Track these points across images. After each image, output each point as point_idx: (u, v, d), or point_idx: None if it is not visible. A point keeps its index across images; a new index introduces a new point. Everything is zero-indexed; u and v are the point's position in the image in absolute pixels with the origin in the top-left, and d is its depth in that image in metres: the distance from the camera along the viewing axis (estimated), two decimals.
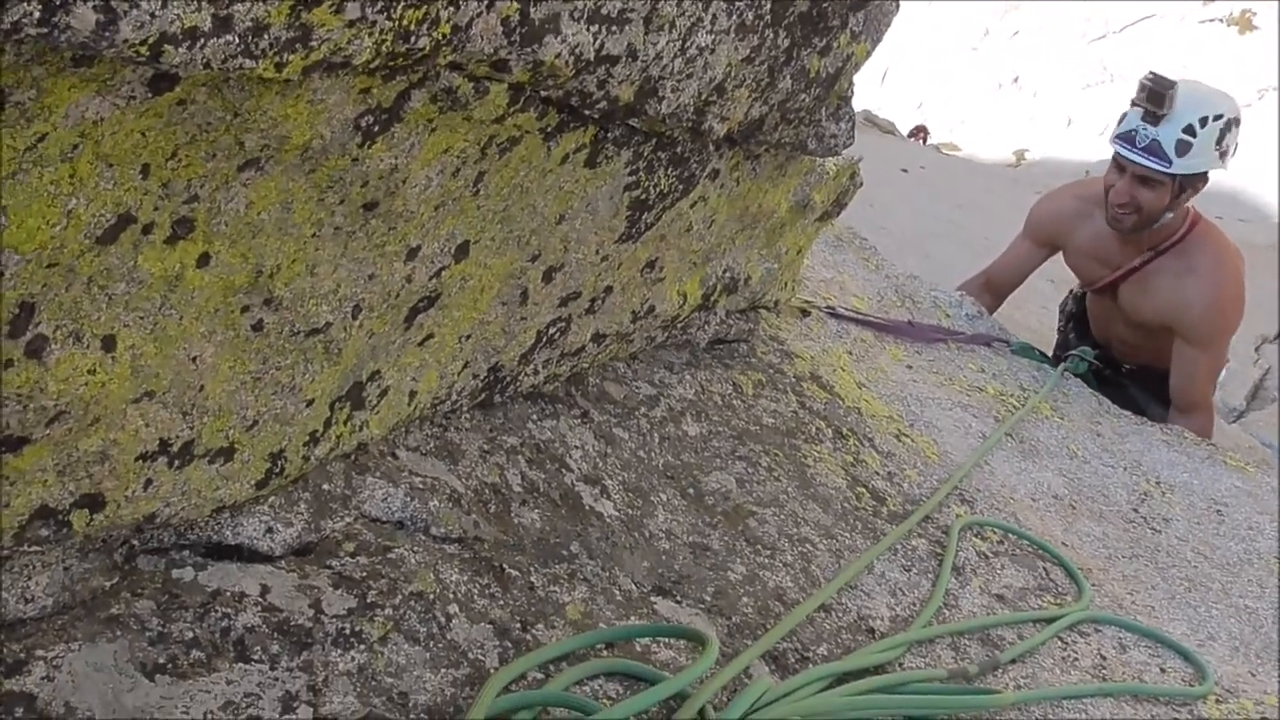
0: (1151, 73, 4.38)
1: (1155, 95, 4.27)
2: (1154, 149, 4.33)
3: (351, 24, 1.41)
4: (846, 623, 2.64)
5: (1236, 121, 4.41)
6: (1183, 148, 4.30)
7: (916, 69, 17.40)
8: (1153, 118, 4.29)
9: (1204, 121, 4.30)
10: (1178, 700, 2.81)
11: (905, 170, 12.80)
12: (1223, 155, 4.39)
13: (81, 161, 1.37)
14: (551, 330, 2.63)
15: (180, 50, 1.23)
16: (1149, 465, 4.16)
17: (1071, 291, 5.60)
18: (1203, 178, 4.47)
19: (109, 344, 1.57)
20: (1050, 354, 5.08)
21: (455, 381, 2.45)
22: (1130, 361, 5.10)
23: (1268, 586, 3.55)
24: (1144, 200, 4.45)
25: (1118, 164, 4.50)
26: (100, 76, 1.30)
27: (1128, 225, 4.56)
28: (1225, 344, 4.82)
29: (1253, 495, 4.12)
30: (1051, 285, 6.41)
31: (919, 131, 16.39)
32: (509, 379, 2.62)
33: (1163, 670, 2.92)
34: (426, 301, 2.17)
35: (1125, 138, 4.39)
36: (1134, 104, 4.37)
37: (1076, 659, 2.84)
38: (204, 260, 1.64)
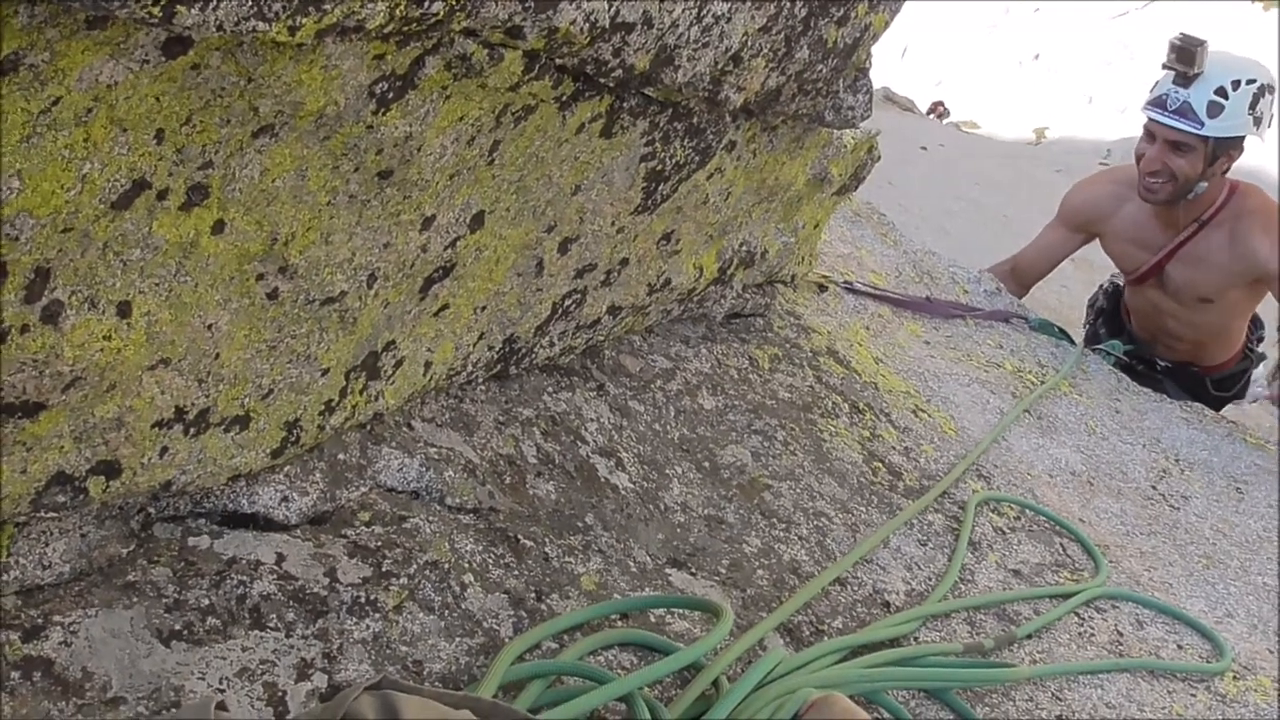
0: (1181, 32, 4.32)
1: (1185, 53, 4.21)
2: (1185, 111, 4.26)
3: None
4: (861, 596, 2.64)
5: (1270, 89, 4.34)
6: (1214, 109, 4.23)
7: (936, 45, 17.30)
8: (1183, 79, 4.23)
9: (1236, 85, 4.24)
10: (1194, 676, 2.80)
11: (924, 148, 12.74)
12: (1257, 122, 4.31)
13: (95, 126, 1.37)
14: (567, 302, 2.63)
15: (193, 11, 1.23)
16: (1168, 442, 4.14)
17: (1101, 286, 5.52)
18: (1237, 145, 4.38)
19: (124, 310, 1.57)
20: (1068, 331, 5.04)
21: (470, 353, 2.45)
22: (1169, 358, 5.02)
23: None
24: (1176, 167, 4.38)
25: (1149, 132, 4.42)
26: (114, 40, 1.29)
27: (1162, 195, 4.47)
28: None
29: (1273, 473, 4.10)
30: (1073, 264, 6.37)
31: (937, 107, 16.31)
32: (524, 351, 2.62)
33: (1180, 646, 2.92)
34: (442, 272, 2.17)
35: (1156, 103, 4.33)
36: (1164, 67, 4.30)
37: (1093, 635, 2.84)
38: (219, 227, 1.64)
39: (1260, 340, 5.13)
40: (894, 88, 15.17)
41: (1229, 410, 5.14)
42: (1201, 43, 4.22)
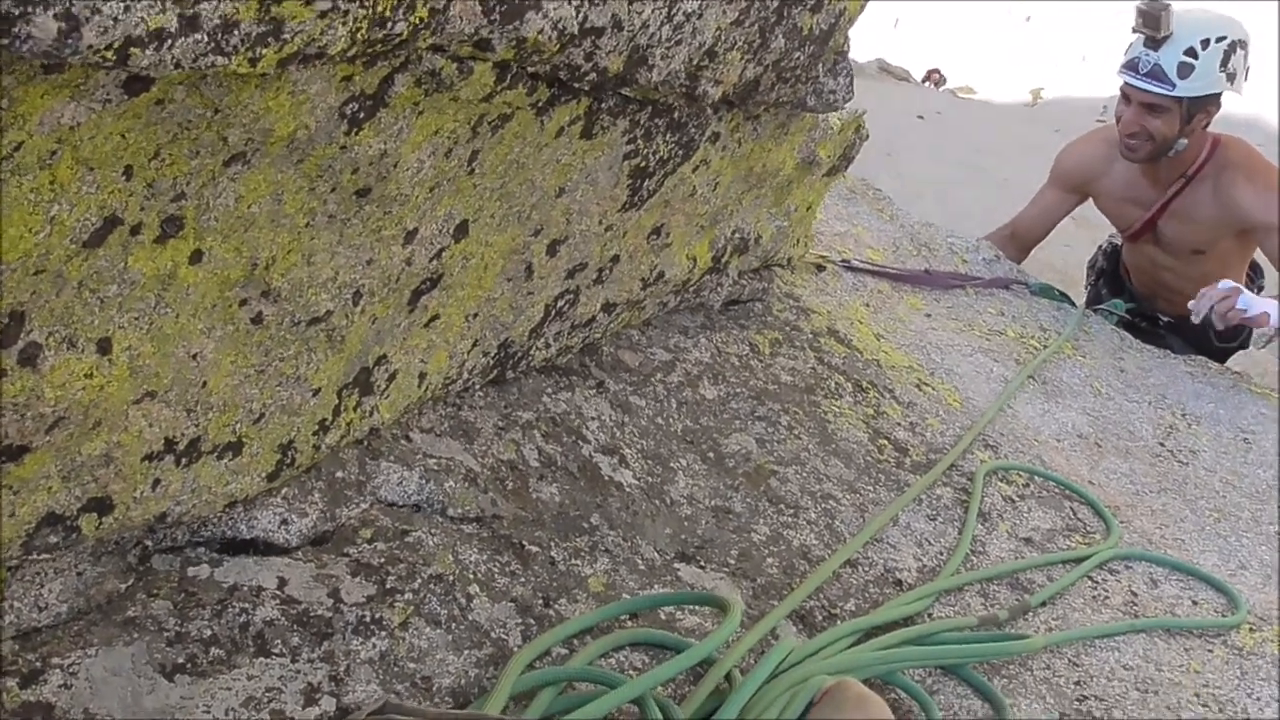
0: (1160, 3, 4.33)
1: (1150, 17, 4.24)
2: (1156, 73, 4.28)
3: (324, 15, 1.40)
4: (873, 576, 2.64)
5: (1243, 44, 4.34)
6: (1185, 70, 4.25)
7: (928, 14, 17.26)
8: (1153, 43, 4.26)
9: (1205, 44, 4.25)
10: (1211, 631, 2.80)
11: (921, 117, 12.71)
12: (1230, 78, 4.33)
13: (61, 167, 1.37)
14: (560, 303, 2.62)
15: (148, 52, 1.22)
16: (1174, 398, 4.13)
17: (1100, 246, 5.54)
18: (1213, 101, 4.40)
19: (104, 346, 1.57)
20: (1069, 294, 5.03)
21: (465, 360, 2.45)
22: (1170, 313, 5.02)
23: None
24: (1153, 128, 4.40)
25: (1124, 94, 4.46)
26: (72, 82, 1.29)
27: (1141, 155, 4.51)
28: None
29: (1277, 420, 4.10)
30: (1074, 223, 6.35)
31: (933, 74, 16.25)
32: (520, 354, 2.62)
33: (1195, 603, 2.91)
34: (429, 283, 2.17)
35: (1129, 66, 4.36)
36: (1134, 30, 4.33)
37: (1107, 597, 2.84)
38: (196, 257, 1.64)
39: (1260, 289, 5.12)
40: (888, 58, 15.12)
41: (1234, 360, 5.13)
42: (1165, 6, 4.24)
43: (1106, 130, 4.91)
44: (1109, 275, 5.37)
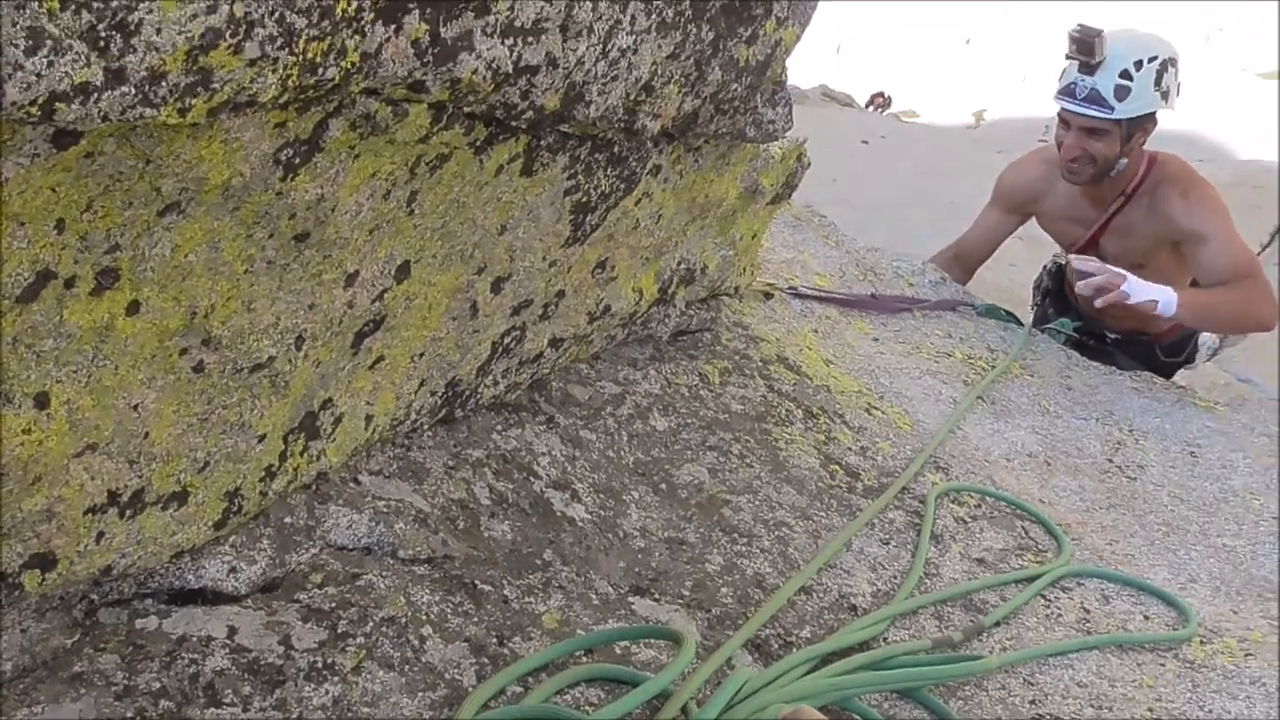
0: (1078, 24, 4.40)
1: (1084, 44, 4.31)
2: (1094, 98, 4.35)
3: (253, 63, 1.40)
4: (828, 603, 2.64)
5: (1173, 61, 4.42)
6: (1122, 92, 4.32)
7: (869, 39, 17.40)
8: (1088, 68, 4.32)
9: (1139, 65, 4.32)
10: (1163, 646, 2.82)
11: (865, 141, 12.80)
12: (1164, 96, 4.40)
13: None
14: (507, 340, 2.63)
15: (74, 106, 1.22)
16: (1121, 414, 4.17)
17: (1045, 267, 5.58)
18: (1150, 119, 4.47)
19: (42, 401, 1.56)
20: (1016, 313, 5.08)
21: (413, 400, 2.44)
22: (1117, 329, 5.08)
23: (1244, 523, 3.56)
24: (1095, 150, 4.46)
25: (1063, 119, 4.52)
26: None
27: (1085, 178, 4.56)
28: (1232, 224, 4.67)
29: (1224, 434, 4.14)
30: (1021, 243, 6.41)
31: (877, 98, 16.36)
32: (469, 392, 2.61)
33: (1146, 617, 2.94)
34: (372, 325, 2.16)
35: (1066, 91, 4.42)
36: (1068, 57, 4.39)
37: (1060, 615, 2.85)
38: (134, 308, 1.63)
39: None
40: (831, 84, 15.23)
41: (1179, 375, 5.19)
42: (1098, 32, 4.31)
43: (1047, 150, 4.97)
44: (1054, 294, 5.41)
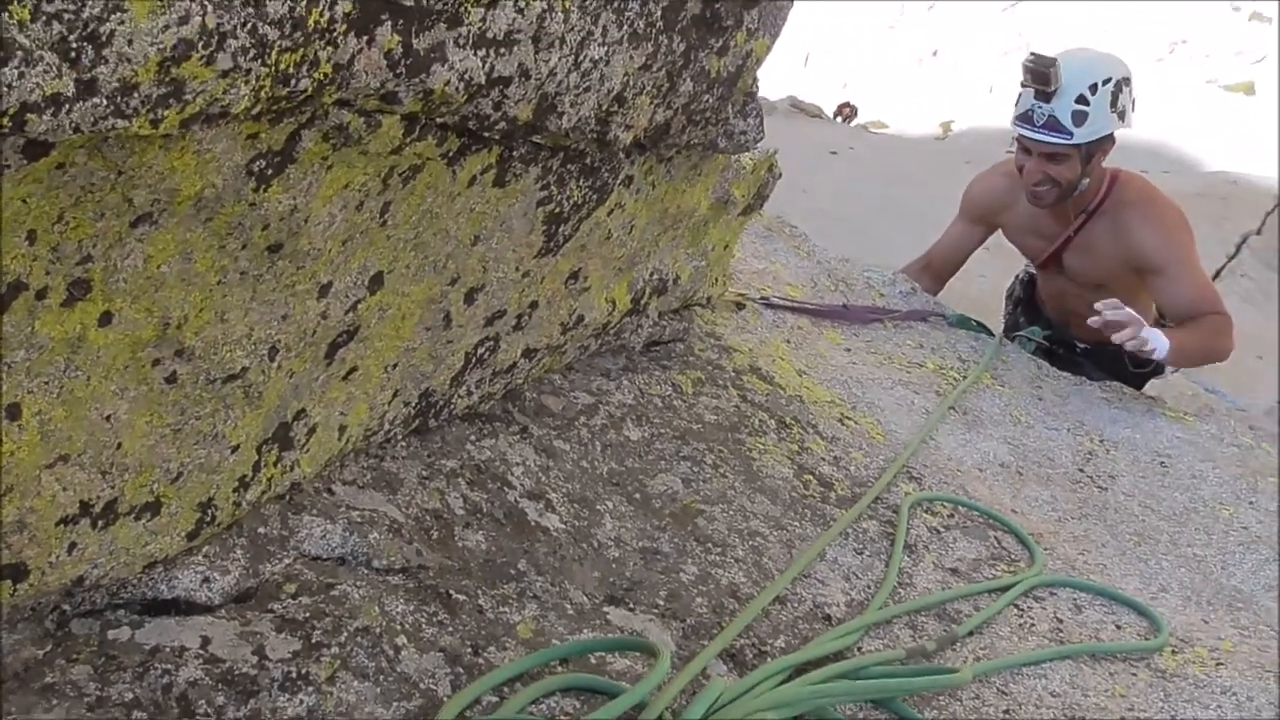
0: (1031, 53, 4.41)
1: (1039, 74, 4.32)
2: (1052, 124, 4.37)
3: (225, 74, 1.40)
4: (802, 613, 2.65)
5: (1127, 81, 4.45)
6: (1079, 117, 4.34)
7: (837, 51, 17.46)
8: (1044, 95, 4.34)
9: (1094, 88, 4.34)
10: (1135, 655, 2.83)
11: (835, 153, 12.85)
12: (1121, 115, 4.43)
13: None
14: (480, 350, 2.63)
15: (45, 118, 1.22)
16: (1092, 424, 4.19)
17: (1017, 276, 5.61)
18: (1109, 140, 4.50)
19: (14, 412, 1.55)
20: (987, 323, 5.10)
21: (386, 411, 2.44)
22: (1086, 340, 5.10)
23: (1214, 533, 3.59)
24: (1056, 174, 4.49)
25: (1023, 145, 4.53)
26: None
27: (1049, 200, 4.59)
28: (1194, 252, 4.74)
29: (1193, 444, 4.17)
30: (989, 254, 6.44)
31: (844, 108, 16.40)
32: (442, 403, 2.61)
33: (1118, 627, 2.95)
34: (346, 335, 2.16)
35: (1024, 118, 4.43)
36: (1023, 85, 4.41)
37: (1033, 624, 2.87)
38: (106, 319, 1.63)
39: None
40: (800, 95, 15.28)
41: (1149, 385, 5.21)
42: (1053, 61, 4.32)
43: (1009, 163, 4.98)
44: (1025, 303, 5.44)
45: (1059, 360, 4.95)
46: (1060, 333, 5.14)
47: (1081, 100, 4.33)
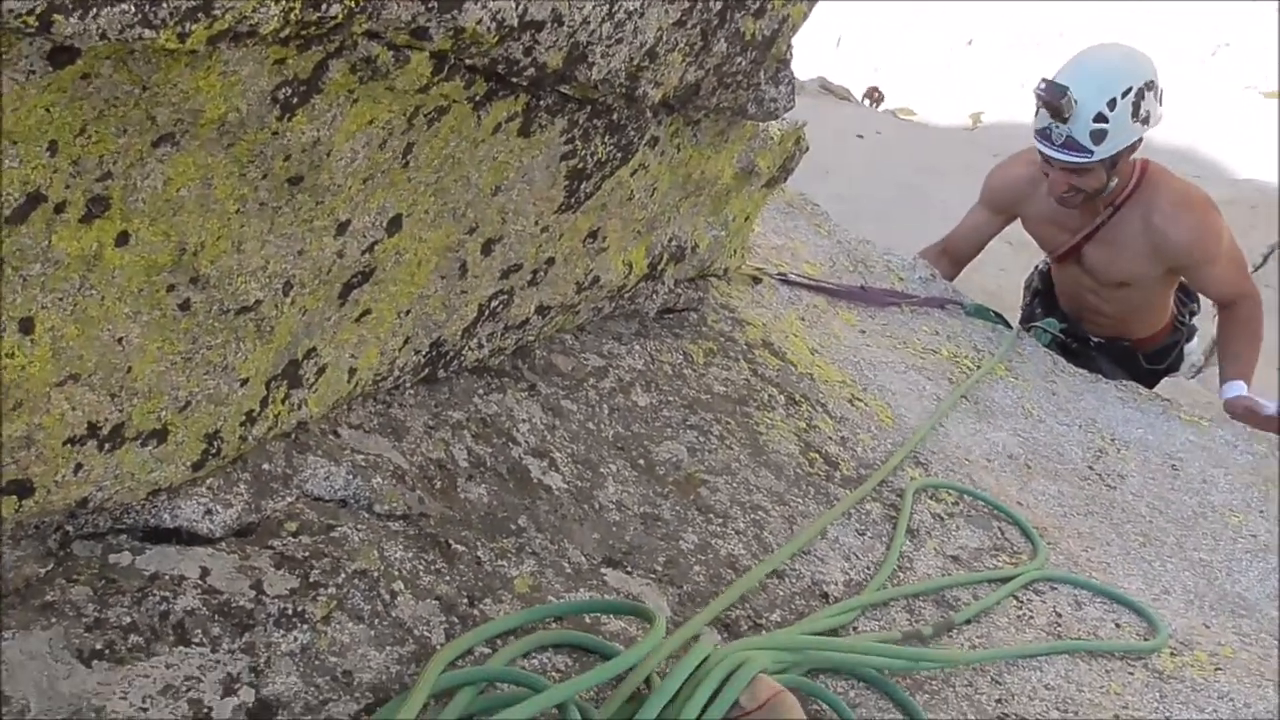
0: (1042, 81, 4.30)
1: (1052, 106, 4.21)
2: (1071, 144, 4.26)
3: None
4: (800, 588, 2.63)
5: (1150, 84, 4.31)
6: (1098, 136, 4.23)
7: (870, 34, 17.34)
8: (1060, 119, 4.23)
9: (1113, 104, 4.20)
10: (1132, 655, 2.82)
11: (861, 136, 12.78)
12: (1145, 120, 4.31)
13: None
14: (494, 303, 2.61)
15: (71, 20, 1.20)
16: (1104, 422, 4.17)
17: (1036, 267, 5.56)
18: (1134, 144, 4.40)
19: (27, 326, 1.54)
20: (1005, 316, 5.08)
21: (396, 357, 2.43)
22: (1100, 334, 5.06)
23: (1221, 539, 3.57)
24: (1081, 184, 4.41)
25: (1045, 158, 4.45)
26: None
27: (1076, 203, 4.54)
28: (1229, 243, 4.69)
29: (1206, 449, 4.14)
30: (1010, 247, 6.42)
31: (873, 92, 16.31)
32: (452, 353, 2.60)
33: (1117, 626, 2.93)
34: (361, 277, 2.15)
35: (1042, 135, 4.33)
36: (1038, 108, 4.32)
37: (1031, 617, 2.85)
38: (123, 239, 1.61)
39: (1193, 313, 5.18)
40: (830, 77, 15.20)
41: (1168, 387, 5.18)
42: (1064, 91, 4.19)
43: (1032, 152, 4.91)
44: (1043, 295, 5.40)
45: (1072, 354, 4.92)
46: (1075, 326, 5.11)
47: (1100, 119, 4.21)
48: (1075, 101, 4.19)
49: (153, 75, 1.45)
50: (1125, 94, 4.23)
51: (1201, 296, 5.10)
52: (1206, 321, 5.39)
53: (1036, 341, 4.82)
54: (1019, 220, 5.12)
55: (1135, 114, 4.26)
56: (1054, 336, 4.99)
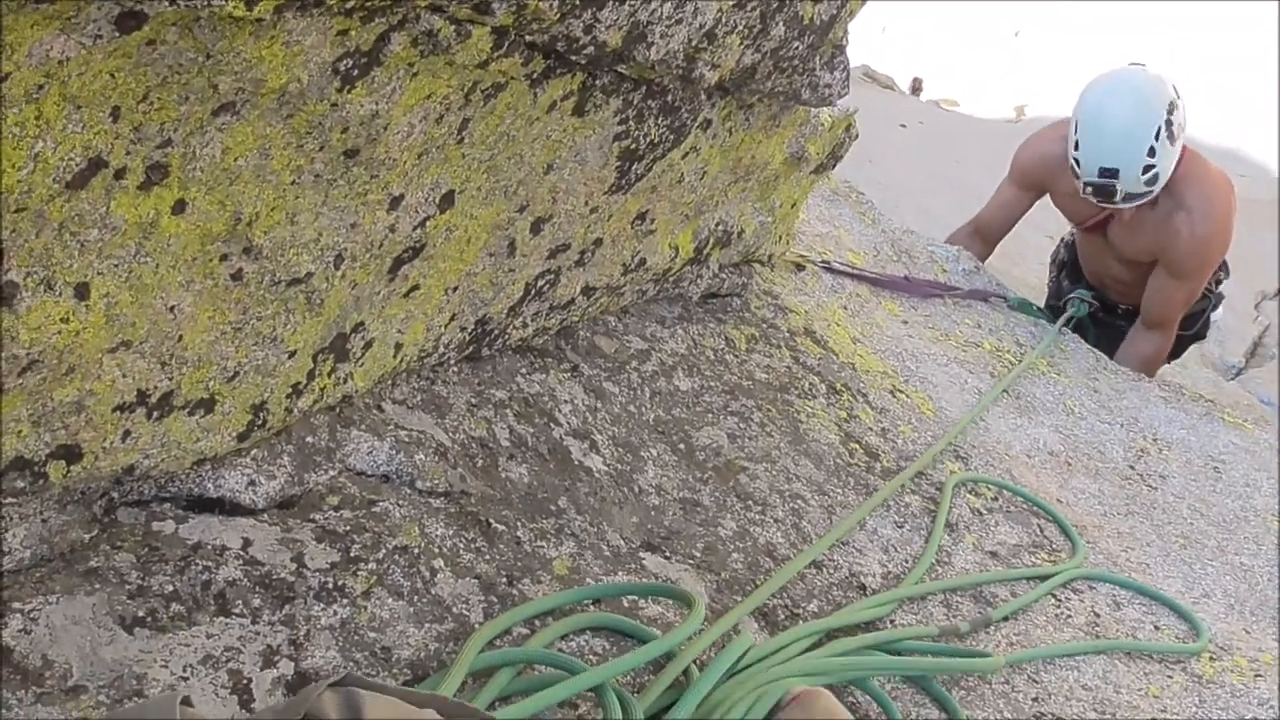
0: (1086, 185, 4.43)
1: (1105, 194, 4.40)
2: (1130, 197, 4.43)
3: None
4: (838, 579, 2.62)
5: (1175, 105, 4.39)
6: (1152, 180, 4.38)
7: (917, 23, 17.25)
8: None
9: (1152, 151, 4.32)
10: (1171, 657, 2.79)
11: (904, 125, 12.70)
12: (1179, 134, 4.42)
13: (48, 103, 1.33)
14: (540, 283, 2.60)
15: None
16: (1146, 422, 4.13)
17: (1063, 240, 5.57)
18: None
19: (82, 292, 1.53)
20: (1044, 306, 5.06)
21: (442, 334, 2.41)
22: (1124, 302, 5.09)
23: (1264, 544, 3.53)
24: (1140, 206, 4.54)
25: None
26: (64, 14, 1.26)
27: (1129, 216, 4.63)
28: (1206, 277, 4.83)
29: (1250, 452, 4.10)
30: (1050, 242, 6.36)
31: (916, 81, 16.24)
32: (497, 332, 2.59)
33: (1157, 627, 2.91)
34: (411, 252, 2.13)
35: (1101, 195, 4.44)
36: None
37: (1070, 616, 2.83)
38: (179, 207, 1.60)
39: (1219, 281, 5.18)
40: (874, 65, 15.11)
41: (1208, 388, 5.16)
42: (1114, 181, 4.35)
43: (1061, 126, 4.88)
44: (1070, 266, 5.42)
45: (1100, 322, 5.02)
46: (1100, 295, 5.15)
47: (1148, 169, 4.35)
48: (1119, 171, 4.34)
49: (217, 43, 1.44)
50: (1158, 134, 4.33)
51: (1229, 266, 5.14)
52: (1245, 322, 5.35)
53: (1077, 314, 4.92)
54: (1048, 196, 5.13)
55: (1171, 140, 4.38)
56: (1091, 308, 5.00)
